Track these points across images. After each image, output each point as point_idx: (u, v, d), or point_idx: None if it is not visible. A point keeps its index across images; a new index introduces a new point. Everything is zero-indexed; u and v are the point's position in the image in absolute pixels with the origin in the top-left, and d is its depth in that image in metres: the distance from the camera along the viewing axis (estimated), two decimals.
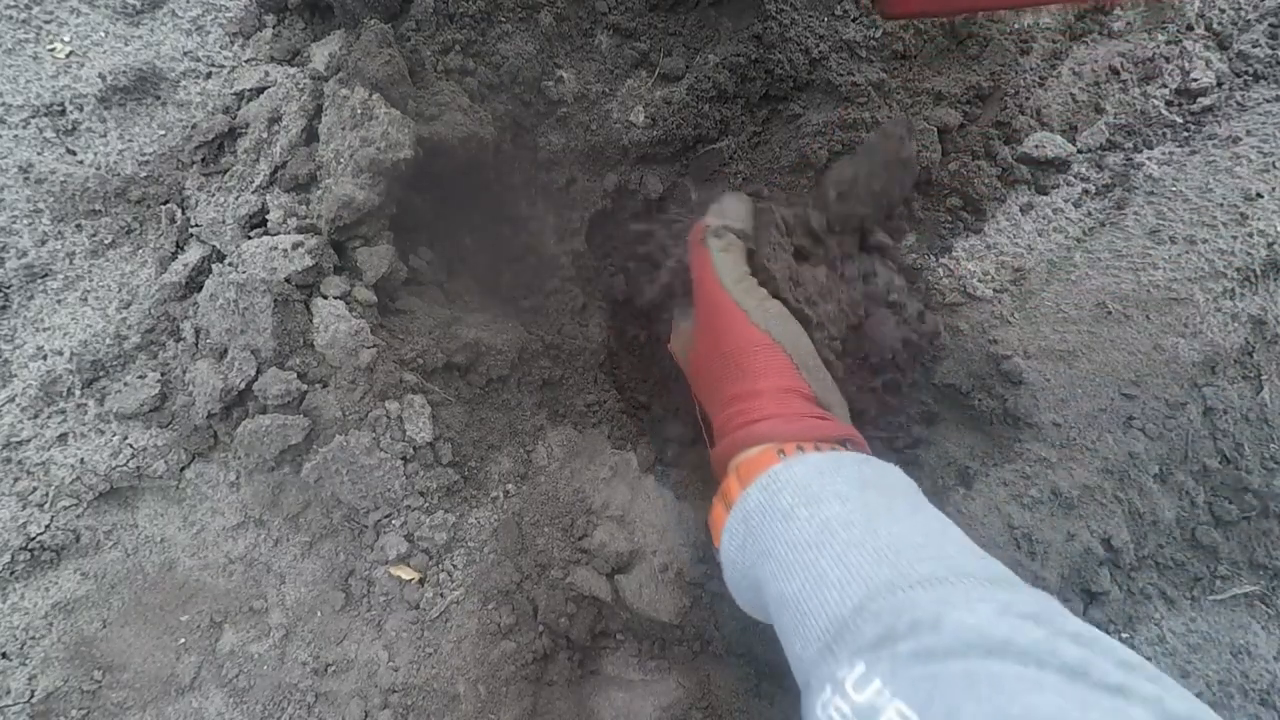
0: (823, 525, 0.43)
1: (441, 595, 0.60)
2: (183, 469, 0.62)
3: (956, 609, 0.34)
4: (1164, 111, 0.69)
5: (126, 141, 0.67)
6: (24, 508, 0.60)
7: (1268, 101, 0.67)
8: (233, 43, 0.70)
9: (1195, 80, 0.68)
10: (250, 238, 0.61)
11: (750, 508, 0.48)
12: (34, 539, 0.59)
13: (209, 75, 0.69)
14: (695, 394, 0.63)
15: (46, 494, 0.60)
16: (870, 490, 0.45)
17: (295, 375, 0.58)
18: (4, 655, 0.58)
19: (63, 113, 0.66)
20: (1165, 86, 0.69)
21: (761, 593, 0.47)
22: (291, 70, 0.67)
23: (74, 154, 0.66)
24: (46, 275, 0.64)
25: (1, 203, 0.64)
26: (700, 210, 0.63)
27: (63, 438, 0.61)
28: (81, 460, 0.61)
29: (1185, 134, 0.68)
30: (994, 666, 0.31)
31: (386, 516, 0.60)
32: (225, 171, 0.65)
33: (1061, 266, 0.67)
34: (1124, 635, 0.62)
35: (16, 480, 0.60)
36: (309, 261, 0.58)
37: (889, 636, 0.35)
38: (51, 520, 0.60)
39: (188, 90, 0.68)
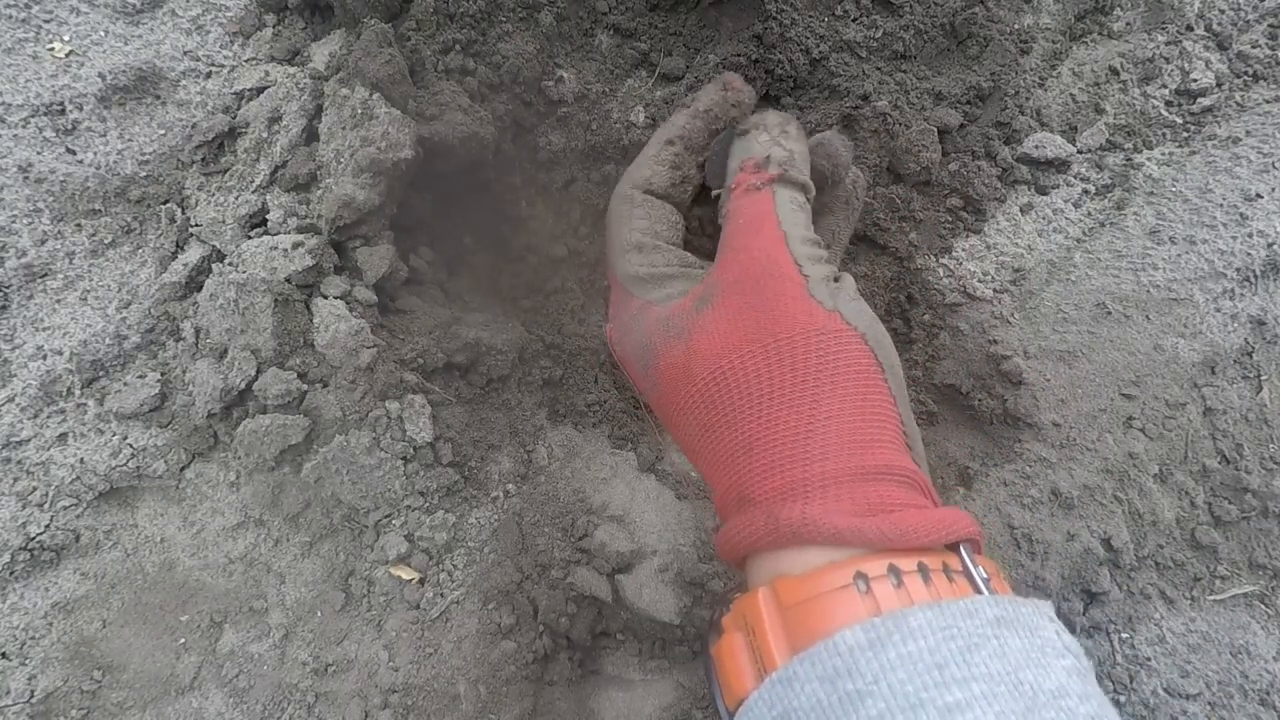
0: None
1: (442, 595, 0.60)
2: (183, 469, 0.62)
3: None
4: (1164, 112, 0.69)
5: (126, 141, 0.67)
6: (24, 508, 0.60)
7: (1267, 102, 0.67)
8: (233, 42, 0.70)
9: (1195, 80, 0.68)
10: (250, 237, 0.61)
11: (800, 705, 0.27)
12: (34, 539, 0.59)
13: (209, 75, 0.69)
14: (669, 418, 0.40)
15: (46, 494, 0.60)
16: None
17: (295, 375, 0.58)
18: (4, 655, 0.58)
19: (62, 112, 0.66)
20: (1165, 87, 0.69)
21: None
22: (291, 70, 0.67)
23: (74, 153, 0.66)
24: (46, 275, 0.64)
25: (1, 202, 0.64)
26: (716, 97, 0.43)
27: (62, 438, 0.61)
28: (81, 460, 0.61)
29: (1185, 134, 0.68)
30: None
31: (386, 516, 0.60)
32: (225, 171, 0.65)
33: (1061, 267, 0.67)
34: (1124, 635, 0.62)
35: (16, 480, 0.60)
36: (309, 261, 0.58)
37: None
38: (51, 520, 0.60)
39: (188, 90, 0.68)
